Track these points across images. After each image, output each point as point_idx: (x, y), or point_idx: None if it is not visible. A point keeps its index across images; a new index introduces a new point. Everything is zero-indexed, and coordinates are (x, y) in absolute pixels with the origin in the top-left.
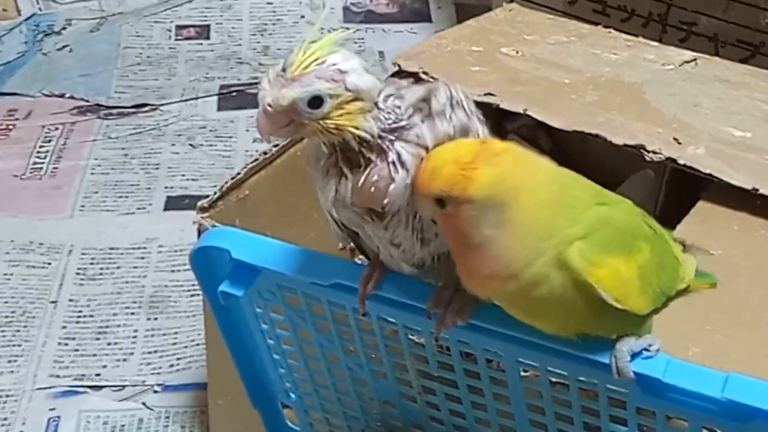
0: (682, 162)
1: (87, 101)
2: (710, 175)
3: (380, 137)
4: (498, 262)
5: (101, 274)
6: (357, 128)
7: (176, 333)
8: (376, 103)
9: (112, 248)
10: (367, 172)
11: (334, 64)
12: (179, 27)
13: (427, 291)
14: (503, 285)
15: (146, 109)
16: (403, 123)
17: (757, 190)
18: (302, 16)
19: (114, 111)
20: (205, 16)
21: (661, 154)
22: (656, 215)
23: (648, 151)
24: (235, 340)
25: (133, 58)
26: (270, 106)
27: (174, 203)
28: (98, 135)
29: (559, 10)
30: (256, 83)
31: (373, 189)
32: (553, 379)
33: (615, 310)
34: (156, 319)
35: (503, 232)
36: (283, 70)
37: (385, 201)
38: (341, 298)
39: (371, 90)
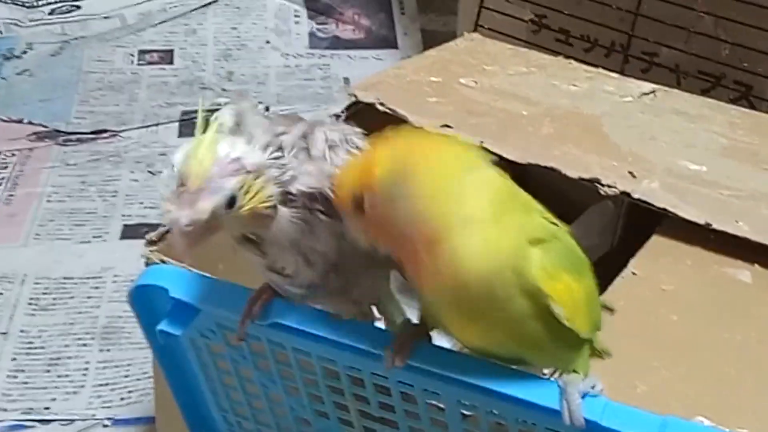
0: (636, 196)
1: (46, 127)
2: (664, 209)
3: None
4: (425, 227)
5: (54, 304)
6: (266, 201)
7: (129, 365)
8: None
9: (66, 278)
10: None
11: (227, 155)
12: (142, 52)
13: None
14: (443, 257)
15: (106, 135)
16: (288, 174)
17: (710, 225)
18: (267, 42)
19: (73, 137)
20: (169, 41)
21: (615, 188)
22: (614, 245)
23: (603, 185)
24: (177, 378)
25: (94, 83)
26: (189, 225)
27: (131, 232)
28: (56, 161)
29: (522, 39)
30: (219, 109)
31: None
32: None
33: (559, 332)
34: (109, 350)
35: (418, 199)
36: (182, 185)
37: (259, 237)
38: (281, 338)
39: (264, 162)
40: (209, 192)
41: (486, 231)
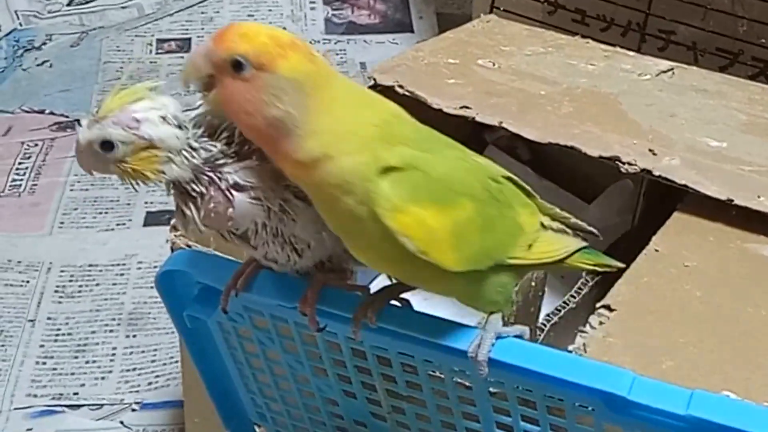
0: (657, 173)
1: (67, 117)
2: (685, 186)
3: (198, 176)
4: (291, 141)
5: (80, 291)
6: (156, 172)
7: (155, 350)
8: (190, 146)
9: (91, 265)
10: (204, 202)
11: (133, 112)
12: (160, 41)
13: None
14: (305, 172)
15: None
16: (228, 152)
17: (732, 201)
18: (284, 28)
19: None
20: (186, 30)
21: (636, 165)
22: (635, 225)
23: (623, 163)
24: (204, 361)
25: (114, 72)
26: (76, 143)
27: (154, 219)
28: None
29: (538, 20)
30: None
31: (213, 215)
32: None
33: (430, 263)
34: (135, 336)
35: (304, 113)
36: (95, 112)
37: (230, 223)
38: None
39: (165, 140)
40: (98, 128)
41: (343, 156)
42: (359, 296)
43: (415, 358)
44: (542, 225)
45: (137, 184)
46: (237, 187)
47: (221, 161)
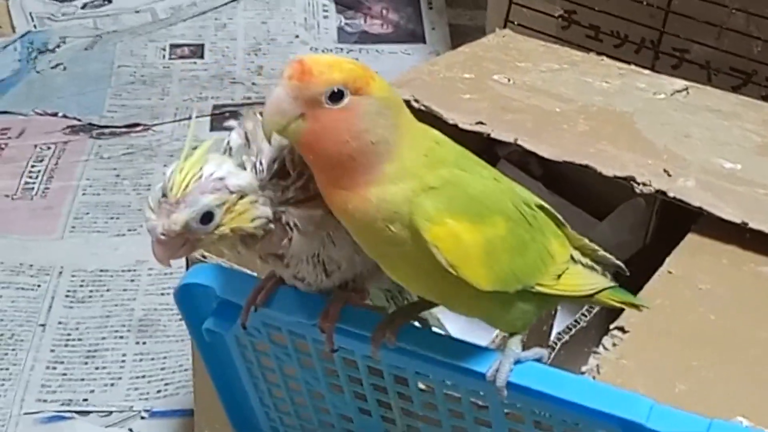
0: (671, 195)
1: (79, 120)
2: (700, 208)
3: (275, 212)
4: (380, 168)
5: (91, 296)
6: (252, 221)
7: (165, 357)
8: (262, 186)
9: (102, 270)
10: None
11: (211, 174)
12: (173, 46)
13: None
14: (368, 201)
15: (138, 128)
16: (288, 184)
17: (746, 224)
18: (297, 36)
19: (106, 130)
20: (200, 35)
21: (650, 186)
22: (647, 243)
23: (638, 183)
24: (220, 374)
25: (127, 77)
26: (164, 235)
27: None
28: (90, 155)
29: (552, 34)
30: (250, 103)
31: (268, 244)
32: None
33: (456, 281)
34: (145, 343)
35: (393, 136)
36: (164, 195)
37: (281, 252)
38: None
39: (252, 183)
40: (186, 205)
41: (393, 183)
42: (378, 315)
43: (432, 378)
44: (572, 258)
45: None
46: (297, 227)
47: (288, 196)
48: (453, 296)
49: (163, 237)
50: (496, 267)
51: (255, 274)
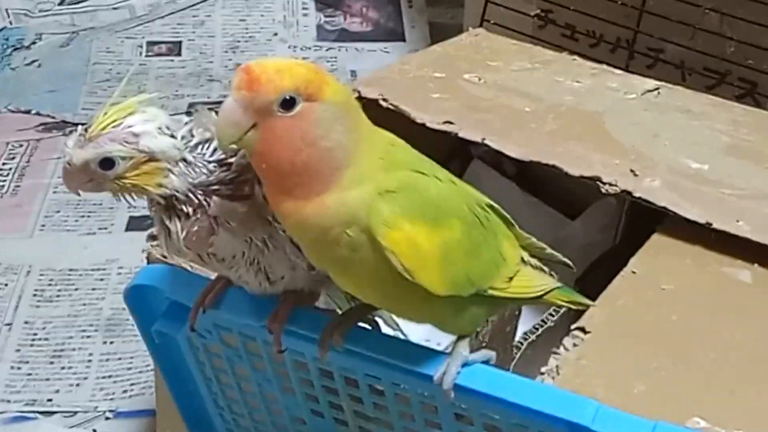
0: (637, 194)
1: (53, 118)
2: (665, 208)
3: (192, 192)
4: (336, 174)
5: (59, 296)
6: (157, 186)
7: (132, 357)
8: (184, 159)
9: (71, 269)
10: (189, 223)
11: (129, 127)
12: (150, 43)
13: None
14: (325, 207)
15: None
16: (223, 178)
17: (710, 224)
18: (275, 34)
19: (80, 128)
20: (177, 33)
21: (616, 186)
22: (616, 242)
23: (604, 183)
24: (173, 376)
25: (103, 74)
26: (69, 164)
27: (136, 224)
28: (63, 152)
29: (528, 34)
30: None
31: (194, 239)
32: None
33: (410, 286)
34: (112, 342)
35: (350, 141)
36: (85, 130)
37: (210, 249)
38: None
39: (166, 151)
40: (93, 146)
41: (351, 188)
42: (327, 317)
43: (382, 380)
44: (522, 259)
45: (132, 197)
46: (224, 220)
47: (215, 187)
48: (405, 302)
49: (68, 166)
50: (452, 271)
51: (210, 276)
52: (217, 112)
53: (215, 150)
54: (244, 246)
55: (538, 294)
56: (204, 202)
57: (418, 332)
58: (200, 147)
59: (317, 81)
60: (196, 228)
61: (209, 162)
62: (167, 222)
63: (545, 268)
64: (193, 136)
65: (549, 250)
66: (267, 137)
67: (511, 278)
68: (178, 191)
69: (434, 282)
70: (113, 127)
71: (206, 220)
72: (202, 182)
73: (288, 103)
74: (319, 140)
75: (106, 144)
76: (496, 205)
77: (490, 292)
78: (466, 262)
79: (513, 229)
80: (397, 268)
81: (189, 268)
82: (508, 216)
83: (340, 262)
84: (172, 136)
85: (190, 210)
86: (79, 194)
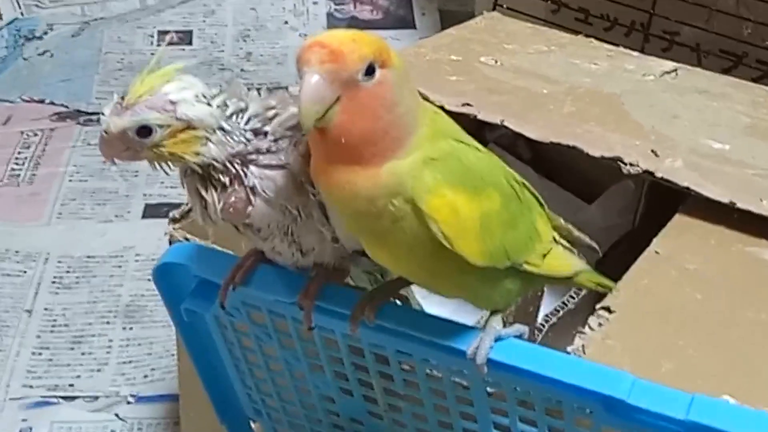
0: (659, 175)
1: (67, 107)
2: (687, 188)
3: (230, 162)
4: (407, 139)
5: (77, 282)
6: (195, 155)
7: (151, 343)
8: (222, 128)
9: (89, 256)
10: (226, 194)
11: (166, 94)
12: (161, 32)
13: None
14: (378, 177)
15: None
16: (261, 147)
17: (734, 204)
18: (286, 22)
19: (94, 117)
20: (188, 22)
21: (638, 166)
22: (636, 225)
23: (625, 164)
24: (201, 355)
25: (115, 63)
26: (105, 132)
27: (152, 211)
28: (77, 141)
29: (541, 18)
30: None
31: (232, 210)
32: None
33: (450, 256)
34: (131, 328)
35: (415, 105)
36: (122, 98)
37: (247, 220)
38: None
39: (204, 119)
40: (130, 114)
41: (408, 155)
42: (358, 293)
43: (413, 356)
44: (553, 239)
45: (168, 166)
46: (261, 190)
47: (252, 157)
48: (440, 274)
49: (105, 134)
50: (490, 242)
51: (236, 254)
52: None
53: (250, 119)
54: (279, 215)
55: (570, 274)
56: (241, 173)
57: (442, 314)
58: (235, 117)
59: (386, 47)
60: (233, 199)
61: (246, 131)
62: (203, 192)
63: (574, 250)
64: (227, 105)
65: (576, 233)
66: (349, 108)
67: (544, 255)
68: (216, 160)
69: (473, 251)
70: (150, 95)
71: (243, 191)
72: (240, 151)
73: (370, 71)
74: (396, 106)
75: (144, 111)
76: (527, 184)
77: (525, 267)
78: (504, 233)
79: (543, 208)
80: (437, 237)
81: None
82: (538, 195)
83: (380, 233)
84: (209, 105)
85: (227, 180)
86: (115, 163)
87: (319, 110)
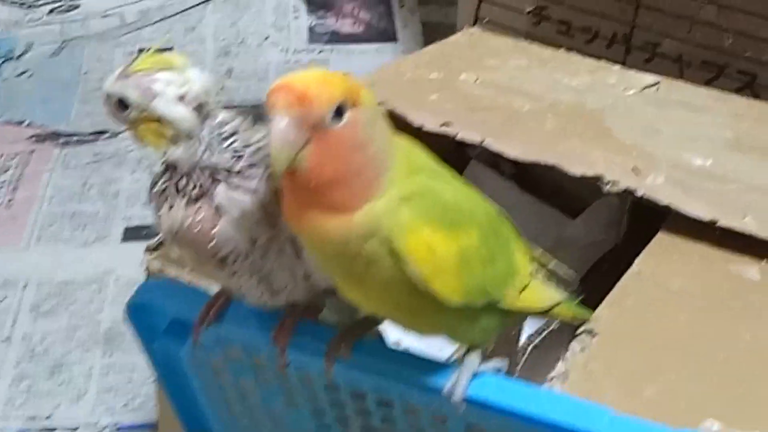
0: (640, 193)
1: (46, 128)
2: (669, 206)
3: (197, 172)
4: (380, 179)
5: (57, 309)
6: (162, 150)
7: (132, 370)
8: (198, 135)
9: (68, 282)
10: (193, 210)
11: (154, 81)
12: (142, 50)
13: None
14: (353, 220)
15: (106, 135)
16: (232, 168)
17: (716, 221)
18: (267, 38)
19: (73, 138)
20: (168, 39)
21: (619, 184)
22: (619, 241)
23: (606, 182)
24: (177, 391)
25: (95, 83)
26: (104, 94)
27: (132, 234)
28: (57, 163)
29: (523, 31)
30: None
31: (198, 229)
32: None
33: (426, 296)
34: (111, 355)
35: (387, 143)
36: (128, 66)
37: (211, 244)
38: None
39: (175, 121)
40: (120, 83)
41: (384, 195)
42: (332, 330)
43: (390, 393)
44: (532, 272)
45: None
46: (227, 210)
47: (222, 175)
48: (416, 313)
49: (102, 92)
50: (468, 280)
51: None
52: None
53: (232, 137)
54: (247, 244)
55: (548, 307)
56: (209, 189)
57: (419, 346)
58: (217, 129)
59: (355, 86)
60: (200, 217)
61: (223, 148)
62: (175, 196)
63: (552, 280)
64: (215, 116)
65: (554, 263)
66: (319, 151)
67: (522, 289)
68: (178, 164)
69: (451, 290)
70: (144, 74)
71: (210, 209)
72: (209, 165)
73: (339, 113)
74: (368, 145)
75: (128, 87)
76: (505, 214)
77: (503, 302)
78: (482, 270)
79: (522, 240)
80: (413, 276)
81: (188, 280)
82: (516, 227)
83: (354, 273)
84: (199, 108)
85: (194, 193)
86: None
87: (289, 155)
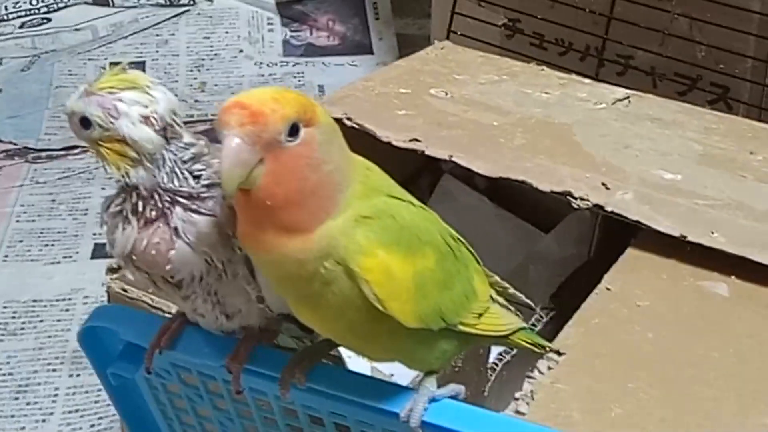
0: (609, 209)
1: (15, 144)
2: (638, 222)
3: (158, 194)
4: (337, 198)
5: (23, 328)
6: (123, 171)
7: (99, 390)
8: (161, 157)
9: (35, 300)
10: (149, 233)
11: (119, 101)
12: (113, 64)
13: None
14: (310, 239)
15: (76, 151)
16: (192, 191)
17: (685, 237)
18: (241, 51)
19: (43, 154)
20: (141, 53)
21: (588, 200)
22: (591, 257)
23: (575, 198)
24: (133, 417)
25: (65, 97)
26: (67, 111)
27: (101, 251)
28: (25, 180)
29: (496, 44)
30: (192, 121)
31: (154, 251)
32: None
33: (382, 319)
34: (79, 375)
35: (344, 162)
36: (91, 84)
37: (168, 267)
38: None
39: (139, 142)
40: (84, 101)
41: (339, 215)
42: (287, 355)
43: (347, 417)
44: (490, 297)
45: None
46: (184, 232)
47: (181, 197)
48: (371, 337)
49: (66, 108)
50: (424, 303)
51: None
52: None
53: (194, 159)
54: (203, 265)
55: (506, 333)
56: (167, 211)
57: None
58: (181, 152)
59: (310, 104)
60: (156, 240)
61: (185, 170)
62: (130, 217)
63: (511, 308)
64: (180, 137)
65: (512, 290)
66: (273, 170)
67: (480, 314)
68: (140, 186)
69: (406, 313)
70: (108, 92)
71: (167, 232)
72: (170, 188)
73: (293, 131)
74: (323, 165)
75: (92, 105)
76: (463, 240)
77: (460, 327)
78: (440, 293)
79: (480, 265)
80: (368, 298)
81: (149, 301)
82: (474, 253)
83: (309, 295)
84: (163, 130)
85: (152, 214)
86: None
87: (241, 174)
